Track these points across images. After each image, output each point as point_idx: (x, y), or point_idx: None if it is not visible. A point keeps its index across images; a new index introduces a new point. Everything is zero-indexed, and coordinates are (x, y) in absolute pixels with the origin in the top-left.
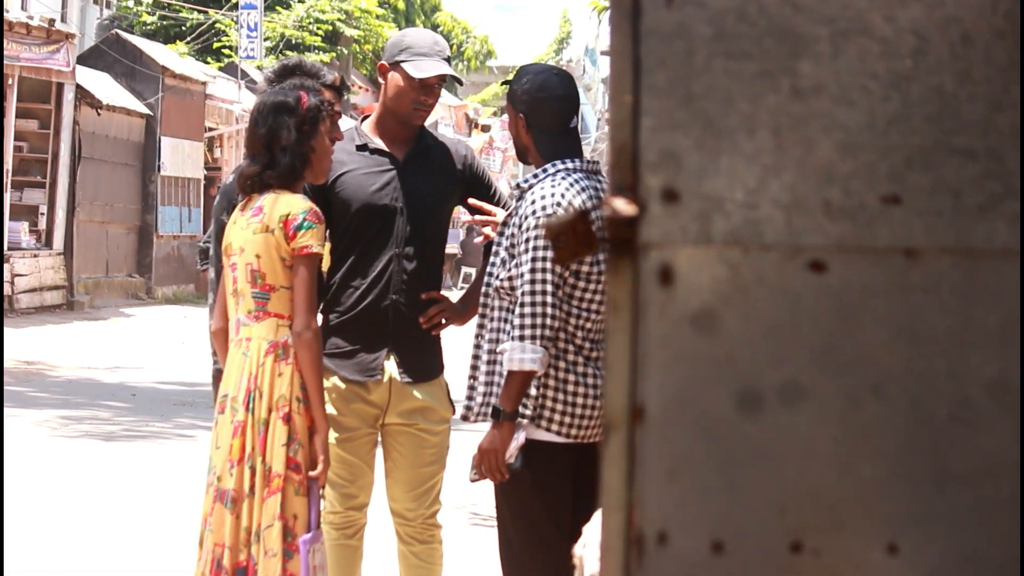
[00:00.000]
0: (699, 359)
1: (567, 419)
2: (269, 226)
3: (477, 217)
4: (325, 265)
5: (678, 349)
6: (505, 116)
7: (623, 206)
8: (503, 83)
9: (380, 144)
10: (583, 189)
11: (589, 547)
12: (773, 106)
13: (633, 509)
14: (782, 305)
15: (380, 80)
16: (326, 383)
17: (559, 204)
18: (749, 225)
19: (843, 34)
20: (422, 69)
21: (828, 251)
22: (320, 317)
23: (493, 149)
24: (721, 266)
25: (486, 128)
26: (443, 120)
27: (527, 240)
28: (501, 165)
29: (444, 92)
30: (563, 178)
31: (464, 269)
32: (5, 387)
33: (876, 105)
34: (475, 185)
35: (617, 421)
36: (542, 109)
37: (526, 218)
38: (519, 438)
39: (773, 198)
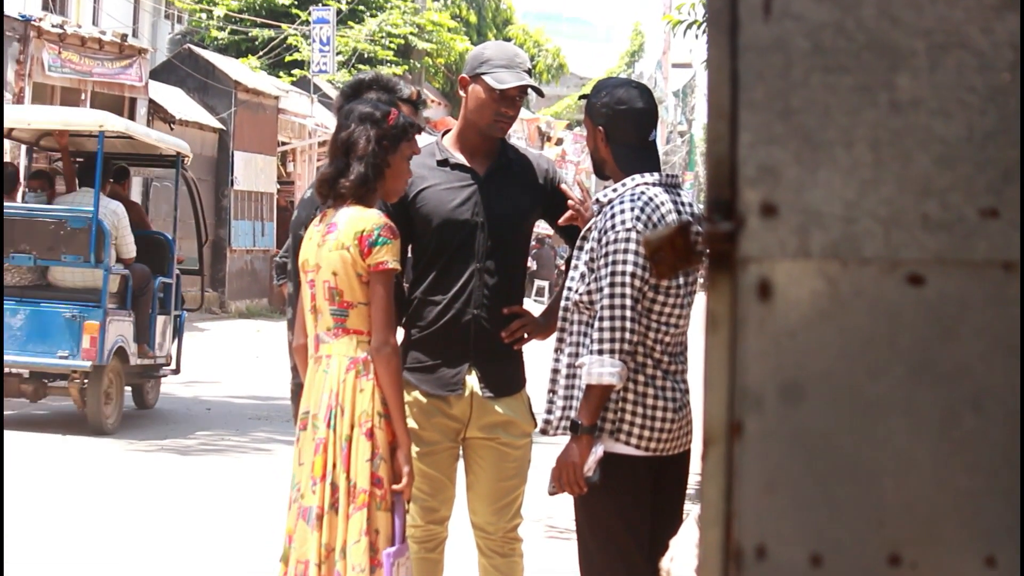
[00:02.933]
0: (797, 373)
1: (646, 432)
2: (344, 243)
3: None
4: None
5: (776, 363)
6: (577, 129)
7: (721, 221)
8: (580, 97)
9: (461, 159)
10: (663, 203)
11: (676, 561)
12: (871, 120)
13: (732, 523)
14: (880, 318)
15: (461, 93)
16: (407, 397)
17: (639, 218)
18: (848, 239)
19: (941, 47)
20: (503, 81)
21: (926, 264)
22: (401, 332)
23: (566, 162)
24: (820, 280)
25: (559, 141)
26: (515, 133)
27: (607, 254)
28: (573, 178)
29: None
30: (643, 191)
31: (537, 282)
32: None
33: (974, 118)
34: (557, 199)
35: (716, 435)
36: (621, 122)
37: (605, 232)
38: (597, 452)
39: (871, 212)
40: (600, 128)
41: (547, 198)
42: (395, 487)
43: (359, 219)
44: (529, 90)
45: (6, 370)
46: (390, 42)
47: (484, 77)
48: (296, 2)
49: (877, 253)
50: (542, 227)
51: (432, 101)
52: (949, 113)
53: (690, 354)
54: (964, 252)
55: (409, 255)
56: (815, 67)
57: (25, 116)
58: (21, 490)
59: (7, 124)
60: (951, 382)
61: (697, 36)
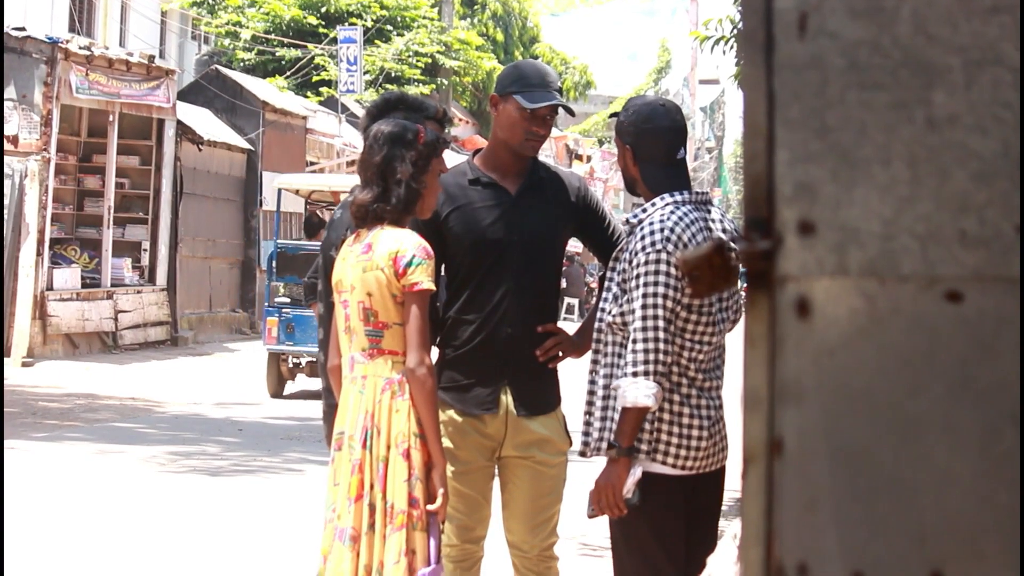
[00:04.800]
0: (836, 391)
1: (682, 451)
2: (379, 264)
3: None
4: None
5: (815, 381)
6: (606, 146)
7: (759, 239)
8: (611, 116)
9: (492, 178)
10: (693, 222)
11: None
12: (908, 137)
13: (773, 541)
14: (919, 336)
15: (492, 112)
16: (442, 416)
17: (669, 239)
18: (885, 256)
19: (976, 64)
20: (533, 100)
21: (964, 281)
22: (436, 351)
23: (594, 179)
24: (858, 298)
25: (587, 159)
26: (543, 151)
27: (638, 276)
28: (602, 195)
29: None
30: (672, 211)
31: (567, 300)
32: (112, 424)
33: (1010, 134)
34: (589, 217)
35: (756, 454)
36: (649, 141)
37: (636, 253)
38: (636, 473)
39: (909, 229)
40: (628, 147)
41: (579, 215)
42: (430, 507)
43: (394, 240)
44: (559, 108)
45: (293, 360)
46: (417, 61)
47: (515, 96)
48: (323, 22)
49: (915, 270)
50: (571, 245)
51: (460, 120)
52: (985, 129)
53: (728, 367)
54: (1002, 268)
55: (443, 274)
56: (851, 84)
57: (305, 181)
58: (51, 509)
59: (299, 187)
60: (991, 398)
61: (725, 52)
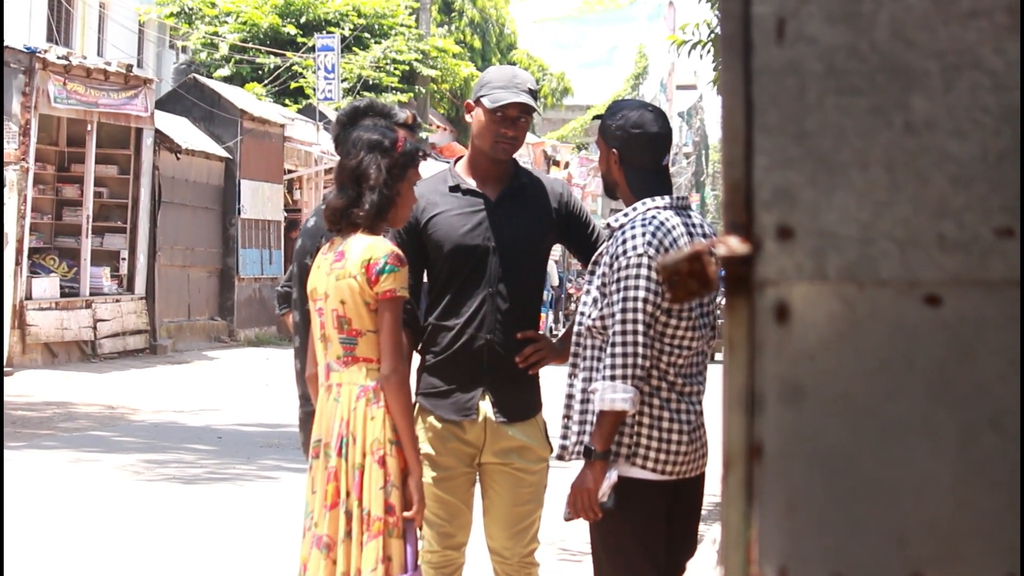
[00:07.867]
0: (816, 395)
1: (662, 456)
2: (351, 272)
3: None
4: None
5: (795, 385)
6: (584, 152)
7: (738, 244)
8: (594, 117)
9: (472, 184)
10: (674, 227)
11: None
12: (886, 141)
13: (752, 546)
14: (898, 339)
15: (467, 119)
16: (422, 422)
17: (650, 243)
18: (864, 260)
19: (954, 68)
20: (497, 100)
21: (943, 285)
22: (417, 357)
23: (572, 185)
24: (836, 302)
25: (566, 165)
26: (520, 157)
27: (618, 280)
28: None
29: None
30: (654, 216)
31: None
32: (90, 432)
33: (988, 138)
34: (572, 223)
35: (735, 458)
36: (636, 146)
37: (617, 258)
38: (611, 477)
39: (887, 233)
40: (614, 150)
41: (561, 221)
42: (406, 514)
43: (367, 248)
44: (535, 114)
45: None
46: (395, 68)
47: (483, 99)
48: (300, 31)
49: (894, 274)
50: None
51: (437, 127)
52: (963, 133)
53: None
54: (980, 272)
55: (425, 281)
56: (829, 90)
57: None
58: (26, 518)
59: None
60: (969, 401)
61: (702, 56)
